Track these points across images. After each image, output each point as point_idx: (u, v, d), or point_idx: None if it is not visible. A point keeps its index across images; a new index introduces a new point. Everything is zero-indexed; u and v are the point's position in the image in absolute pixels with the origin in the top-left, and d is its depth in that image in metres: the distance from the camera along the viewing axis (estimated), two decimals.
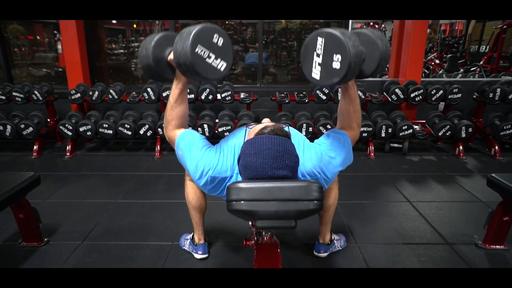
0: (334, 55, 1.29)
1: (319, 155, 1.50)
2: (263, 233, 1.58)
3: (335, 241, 2.15)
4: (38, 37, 6.51)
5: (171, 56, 1.49)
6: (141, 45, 1.53)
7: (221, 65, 1.42)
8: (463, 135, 3.75)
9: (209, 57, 1.37)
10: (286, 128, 1.46)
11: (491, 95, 3.88)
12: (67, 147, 3.95)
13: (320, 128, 3.72)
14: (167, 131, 1.64)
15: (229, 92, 4.00)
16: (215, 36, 1.38)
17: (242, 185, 1.26)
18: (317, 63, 1.35)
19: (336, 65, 1.29)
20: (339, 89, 1.47)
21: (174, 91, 1.56)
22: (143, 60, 1.52)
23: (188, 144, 1.54)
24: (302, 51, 1.41)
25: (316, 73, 1.37)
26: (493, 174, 2.06)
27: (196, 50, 1.33)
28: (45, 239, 2.26)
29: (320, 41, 1.32)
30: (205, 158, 1.49)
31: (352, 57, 1.25)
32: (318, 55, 1.35)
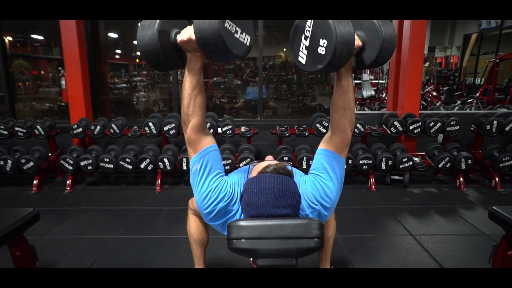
0: (321, 39, 1.21)
1: (314, 186, 1.46)
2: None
3: None
4: (42, 72, 6.66)
5: (183, 37, 1.33)
6: (139, 35, 1.33)
7: (247, 39, 1.34)
8: (463, 167, 3.76)
9: (236, 31, 1.28)
10: (288, 167, 1.46)
11: (488, 127, 3.92)
12: (67, 181, 3.95)
13: None
14: (188, 128, 1.48)
15: (230, 126, 4.04)
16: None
17: (242, 223, 1.26)
18: (304, 47, 1.29)
19: (321, 50, 1.22)
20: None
21: (191, 78, 1.41)
22: (147, 48, 1.33)
23: (208, 165, 1.46)
24: (292, 32, 1.34)
25: (302, 57, 1.31)
26: (494, 207, 2.05)
27: (226, 25, 1.22)
28: None
29: (308, 23, 1.26)
30: (219, 186, 1.44)
31: (339, 44, 1.17)
32: (306, 38, 1.28)
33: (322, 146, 1.53)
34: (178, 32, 1.36)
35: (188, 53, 1.39)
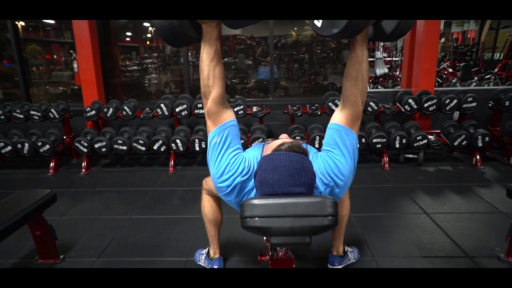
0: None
1: (324, 161, 1.45)
2: (278, 248, 1.56)
3: (348, 253, 2.12)
4: (55, 56, 6.69)
5: None
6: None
7: None
8: (480, 144, 3.68)
9: None
10: (303, 145, 1.44)
11: (507, 103, 3.82)
12: (83, 163, 4.01)
13: None
14: (209, 101, 1.46)
15: (242, 106, 4.02)
16: None
17: (256, 201, 1.25)
18: None
19: None
20: None
21: (208, 49, 1.41)
22: (163, 24, 1.31)
23: (228, 139, 1.45)
24: None
25: (318, 20, 1.26)
26: None
27: None
28: (61, 256, 2.28)
29: None
30: (237, 160, 1.43)
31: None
32: None
33: (333, 120, 1.50)
34: None
35: (204, 24, 1.39)
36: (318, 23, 1.26)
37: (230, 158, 1.43)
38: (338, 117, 1.48)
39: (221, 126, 1.46)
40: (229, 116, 1.49)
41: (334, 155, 1.44)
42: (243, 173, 1.42)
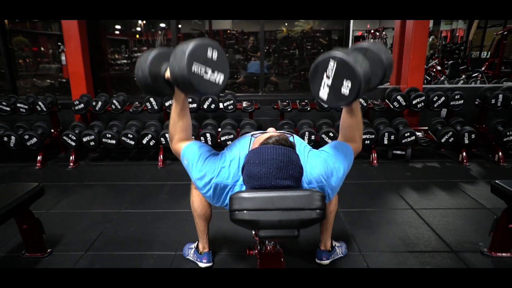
0: (345, 80, 1.31)
1: (324, 163, 1.53)
2: (266, 242, 1.57)
3: (336, 248, 2.14)
4: (42, 49, 6.58)
5: (168, 74, 1.48)
6: (137, 65, 1.52)
7: (219, 78, 1.43)
8: (466, 141, 3.74)
9: (205, 72, 1.37)
10: (291, 138, 1.47)
11: (493, 101, 3.88)
12: (71, 157, 3.97)
13: (323, 136, 3.72)
14: (172, 144, 1.68)
15: (231, 101, 4.01)
16: (209, 50, 1.37)
17: (244, 195, 1.26)
18: (326, 84, 1.37)
19: (345, 90, 1.32)
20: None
21: (175, 106, 1.59)
22: (141, 79, 1.52)
23: (193, 155, 1.58)
24: (312, 69, 1.42)
25: (324, 94, 1.39)
26: (497, 181, 2.05)
27: (193, 69, 1.33)
28: (48, 250, 2.25)
29: (332, 64, 1.34)
30: (208, 166, 1.53)
31: (362, 86, 1.28)
32: (328, 77, 1.36)
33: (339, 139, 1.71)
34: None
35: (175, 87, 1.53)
36: (324, 96, 1.39)
37: (201, 166, 1.55)
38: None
39: (182, 151, 1.64)
40: (186, 142, 1.67)
41: (331, 157, 1.56)
42: (218, 174, 1.52)
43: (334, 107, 1.39)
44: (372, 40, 9.98)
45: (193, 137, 1.80)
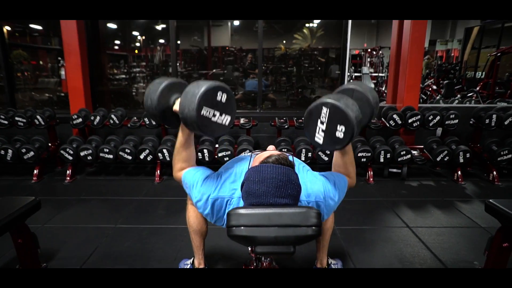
0: (338, 125, 1.38)
1: (323, 183, 1.58)
2: (263, 258, 1.58)
3: (332, 265, 2.14)
4: (41, 62, 6.64)
5: (176, 107, 1.51)
6: (146, 95, 1.56)
7: (226, 119, 1.48)
8: (461, 160, 3.78)
9: (214, 115, 1.43)
10: (290, 158, 1.50)
11: (487, 121, 3.94)
12: (67, 171, 3.97)
13: (319, 153, 3.75)
14: (174, 172, 1.72)
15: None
16: (218, 94, 1.43)
17: (242, 211, 1.28)
18: (320, 129, 1.44)
19: (339, 134, 1.39)
20: None
21: (180, 138, 1.63)
22: (149, 108, 1.56)
23: (192, 178, 1.61)
24: (306, 116, 1.48)
25: (319, 138, 1.46)
26: (491, 200, 2.07)
27: (202, 112, 1.38)
28: (43, 265, 2.24)
29: (324, 110, 1.41)
30: (206, 186, 1.56)
31: (355, 129, 1.34)
32: (322, 123, 1.43)
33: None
34: (177, 98, 1.56)
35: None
36: (319, 140, 1.46)
37: (200, 188, 1.57)
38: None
39: (182, 178, 1.68)
40: (186, 169, 1.69)
41: (332, 192, 1.59)
42: (213, 189, 1.55)
43: (330, 150, 1.46)
44: (369, 59, 10.13)
45: None
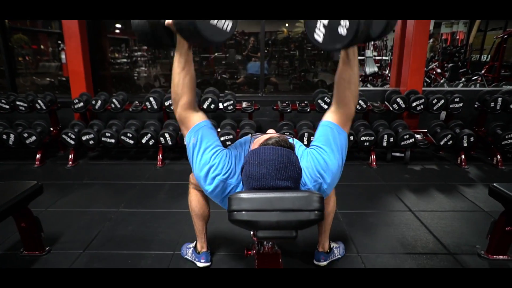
0: (342, 20, 1.20)
1: (314, 158, 1.47)
2: (264, 242, 1.58)
3: (334, 249, 2.15)
4: (42, 47, 6.58)
5: (167, 20, 1.37)
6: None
7: (227, 24, 1.31)
8: (465, 144, 3.75)
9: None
10: (290, 140, 1.47)
11: (492, 104, 3.89)
12: (70, 156, 3.97)
13: None
14: (178, 107, 1.52)
15: (231, 102, 4.02)
16: None
17: (243, 195, 1.27)
18: (322, 25, 1.25)
19: (342, 30, 1.21)
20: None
21: (178, 59, 1.45)
22: (138, 27, 1.39)
23: (204, 138, 1.48)
24: None
25: (319, 35, 1.27)
26: (495, 184, 2.06)
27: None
28: (47, 248, 2.26)
29: None
30: (217, 159, 1.46)
31: (361, 25, 1.19)
32: None
33: (326, 118, 1.54)
34: None
35: (178, 35, 1.41)
36: (319, 37, 1.27)
37: (208, 157, 1.45)
38: (331, 116, 1.52)
39: (193, 128, 1.51)
40: (200, 117, 1.53)
41: (323, 152, 1.47)
42: (223, 172, 1.45)
43: (330, 50, 1.25)
44: (372, 42, 9.99)
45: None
